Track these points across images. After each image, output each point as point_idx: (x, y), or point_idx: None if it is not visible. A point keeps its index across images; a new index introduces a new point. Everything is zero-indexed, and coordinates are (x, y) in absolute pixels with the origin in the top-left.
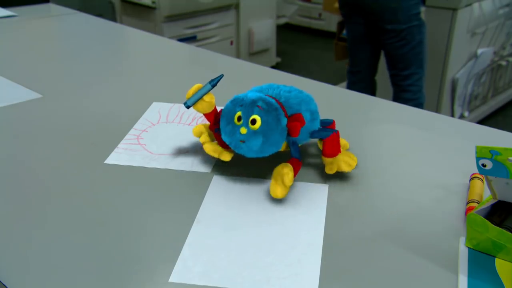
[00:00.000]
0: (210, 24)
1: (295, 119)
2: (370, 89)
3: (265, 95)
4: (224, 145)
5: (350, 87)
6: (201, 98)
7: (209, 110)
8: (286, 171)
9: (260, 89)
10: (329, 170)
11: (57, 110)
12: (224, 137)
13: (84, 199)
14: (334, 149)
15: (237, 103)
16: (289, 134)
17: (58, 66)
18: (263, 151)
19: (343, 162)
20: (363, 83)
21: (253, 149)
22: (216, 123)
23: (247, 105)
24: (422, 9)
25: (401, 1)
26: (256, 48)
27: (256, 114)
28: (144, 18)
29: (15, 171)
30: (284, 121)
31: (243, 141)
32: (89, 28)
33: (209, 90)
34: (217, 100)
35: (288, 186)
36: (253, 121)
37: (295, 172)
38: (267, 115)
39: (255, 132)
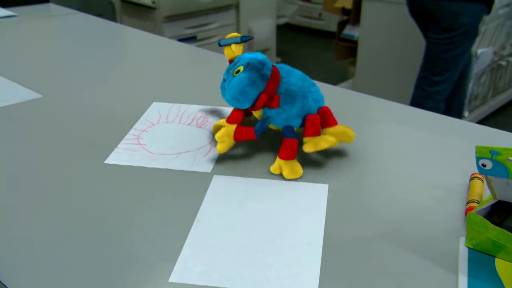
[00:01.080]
0: (210, 24)
1: (272, 93)
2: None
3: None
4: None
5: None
6: (230, 44)
7: (231, 56)
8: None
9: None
10: (305, 148)
11: (57, 110)
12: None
13: (84, 199)
14: (309, 130)
15: (238, 59)
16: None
17: (58, 66)
18: (236, 100)
19: (323, 140)
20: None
21: (230, 96)
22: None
23: (242, 59)
24: (484, 16)
25: (466, 5)
26: (256, 48)
27: (241, 65)
28: (144, 18)
29: (15, 171)
30: (263, 84)
31: (224, 88)
32: (89, 28)
33: (238, 43)
34: (215, 100)
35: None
36: (238, 71)
37: (291, 149)
38: (251, 70)
39: (234, 79)
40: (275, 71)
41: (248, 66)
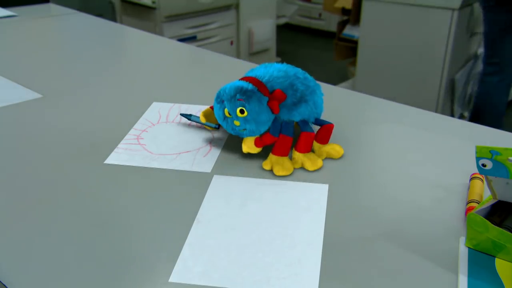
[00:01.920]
0: (210, 24)
1: (273, 97)
2: (507, 84)
3: (249, 77)
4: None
5: (484, 78)
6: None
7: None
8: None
9: (252, 69)
10: (294, 164)
11: (57, 110)
12: (228, 131)
13: (84, 199)
14: (277, 150)
15: (220, 100)
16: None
17: (58, 66)
18: (261, 130)
19: (308, 159)
20: (498, 76)
21: (252, 133)
22: None
23: (229, 101)
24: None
25: None
26: (256, 48)
27: (240, 106)
28: (144, 18)
29: (15, 171)
30: (265, 100)
31: (243, 130)
32: (89, 28)
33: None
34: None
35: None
36: (241, 111)
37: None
38: (249, 102)
39: (245, 120)
40: (257, 82)
41: (243, 98)
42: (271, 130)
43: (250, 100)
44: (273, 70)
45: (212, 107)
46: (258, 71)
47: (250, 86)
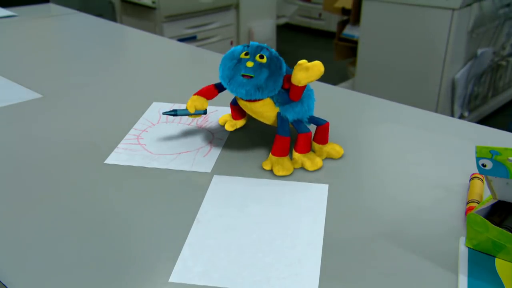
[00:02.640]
0: (210, 24)
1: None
2: None
3: None
4: (237, 117)
5: None
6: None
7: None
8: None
9: None
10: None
11: (57, 110)
12: (223, 73)
13: (84, 199)
14: (277, 150)
15: (243, 46)
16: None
17: (58, 66)
18: (266, 88)
19: (308, 159)
20: None
21: (258, 83)
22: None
23: (254, 47)
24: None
25: None
26: None
27: (263, 52)
28: (144, 18)
29: (15, 171)
30: (284, 69)
31: (249, 76)
32: (89, 28)
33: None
34: (218, 100)
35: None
36: (261, 57)
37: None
38: (273, 57)
39: (261, 65)
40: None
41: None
42: (280, 131)
43: (274, 57)
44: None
45: (197, 93)
46: None
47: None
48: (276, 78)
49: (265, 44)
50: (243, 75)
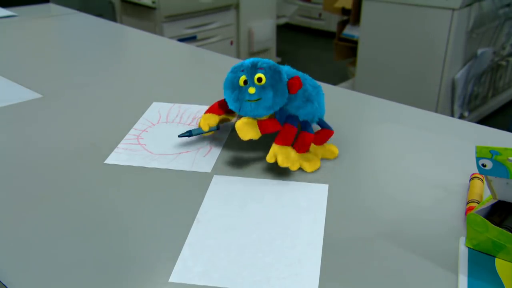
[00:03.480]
0: (210, 24)
1: (294, 78)
2: None
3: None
4: (221, 112)
5: None
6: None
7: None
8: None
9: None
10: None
11: (57, 110)
12: (231, 105)
13: (84, 199)
14: (281, 139)
15: (237, 70)
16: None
17: (58, 66)
18: (275, 104)
19: (306, 161)
20: None
21: (267, 104)
22: (222, 108)
23: (249, 68)
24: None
25: None
26: (256, 48)
27: (259, 73)
28: (144, 18)
29: (15, 171)
30: (285, 75)
31: (255, 100)
32: (89, 28)
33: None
34: (215, 100)
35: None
36: (259, 79)
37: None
38: (269, 71)
39: (263, 87)
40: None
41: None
42: (277, 116)
43: (271, 71)
44: (284, 68)
45: (208, 111)
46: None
47: (272, 61)
48: (281, 91)
49: (258, 58)
50: (249, 101)
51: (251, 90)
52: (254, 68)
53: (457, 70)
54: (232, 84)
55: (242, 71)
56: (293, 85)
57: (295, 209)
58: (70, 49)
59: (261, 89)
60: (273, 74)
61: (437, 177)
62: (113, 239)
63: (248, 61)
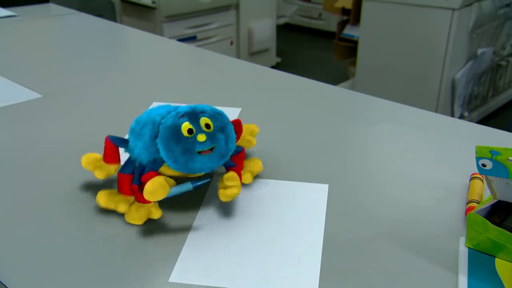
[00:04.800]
0: (210, 24)
1: (235, 123)
2: None
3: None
4: (113, 160)
5: None
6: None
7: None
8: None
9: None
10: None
11: (57, 110)
12: (175, 162)
13: (84, 199)
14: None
15: (174, 117)
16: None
17: (58, 66)
18: (228, 151)
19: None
20: None
21: (220, 151)
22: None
23: (189, 114)
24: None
25: None
26: (256, 48)
27: (204, 116)
28: (144, 18)
29: (15, 171)
30: (226, 116)
31: (209, 149)
32: (89, 28)
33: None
34: (216, 100)
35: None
36: (207, 125)
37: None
38: (214, 114)
39: (212, 134)
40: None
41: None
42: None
43: (214, 114)
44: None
45: (109, 159)
46: (182, 107)
47: (206, 105)
48: (231, 133)
49: (194, 106)
50: (200, 152)
51: (201, 137)
52: (195, 114)
53: (457, 70)
54: (176, 134)
55: (182, 116)
56: (239, 126)
57: (295, 209)
58: (70, 49)
59: (212, 135)
60: (219, 117)
61: (437, 177)
62: (113, 238)
63: (182, 108)
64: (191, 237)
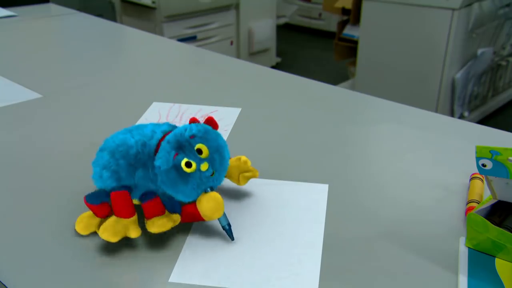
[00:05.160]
0: (210, 24)
1: (207, 121)
2: None
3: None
4: (103, 213)
5: None
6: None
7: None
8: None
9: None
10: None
11: (57, 110)
12: (190, 197)
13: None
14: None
15: (168, 155)
16: None
17: (58, 66)
18: (224, 169)
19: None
20: None
21: (222, 175)
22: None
23: (180, 145)
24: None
25: None
26: (256, 48)
27: (197, 143)
28: (144, 18)
29: (15, 171)
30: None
31: (211, 174)
32: (89, 28)
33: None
34: (215, 100)
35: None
36: (199, 151)
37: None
38: (203, 134)
39: (210, 157)
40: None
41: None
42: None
43: (202, 130)
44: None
45: (99, 213)
46: (163, 126)
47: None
48: (224, 148)
49: (174, 130)
50: (211, 188)
51: (204, 167)
52: (186, 141)
53: (457, 70)
54: (179, 175)
55: (176, 155)
56: (213, 122)
57: (295, 209)
58: (70, 49)
59: (210, 160)
60: (209, 134)
61: (437, 177)
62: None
63: (171, 138)
64: (191, 237)
